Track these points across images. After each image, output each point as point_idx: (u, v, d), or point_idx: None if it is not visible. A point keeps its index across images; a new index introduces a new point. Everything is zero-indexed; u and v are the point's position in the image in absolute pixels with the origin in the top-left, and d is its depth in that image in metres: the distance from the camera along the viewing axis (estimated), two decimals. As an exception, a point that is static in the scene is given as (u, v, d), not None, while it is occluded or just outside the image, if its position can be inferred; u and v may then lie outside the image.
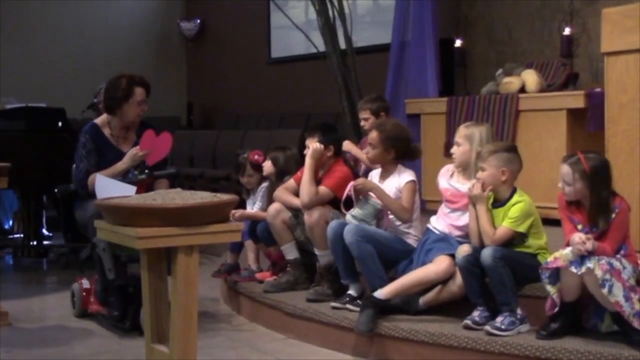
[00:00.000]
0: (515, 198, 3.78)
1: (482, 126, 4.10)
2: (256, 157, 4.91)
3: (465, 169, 4.04)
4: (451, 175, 4.12)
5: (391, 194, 4.17)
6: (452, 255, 3.87)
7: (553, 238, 3.86)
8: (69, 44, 11.45)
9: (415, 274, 3.95)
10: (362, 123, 5.05)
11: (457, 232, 4.01)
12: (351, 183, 4.16)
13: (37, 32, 11.25)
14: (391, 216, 4.19)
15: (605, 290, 3.31)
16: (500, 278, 3.64)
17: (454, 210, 4.05)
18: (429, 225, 4.15)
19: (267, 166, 4.85)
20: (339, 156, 4.59)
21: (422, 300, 3.99)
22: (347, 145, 4.93)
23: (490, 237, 3.73)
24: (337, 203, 4.32)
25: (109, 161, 4.61)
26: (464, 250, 3.77)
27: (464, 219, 3.99)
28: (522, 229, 3.73)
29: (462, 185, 4.00)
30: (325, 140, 4.47)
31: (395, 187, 4.18)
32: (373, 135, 4.22)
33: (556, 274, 3.46)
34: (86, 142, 4.68)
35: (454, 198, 4.04)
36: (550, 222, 4.34)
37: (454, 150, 4.07)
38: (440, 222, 4.10)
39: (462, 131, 4.07)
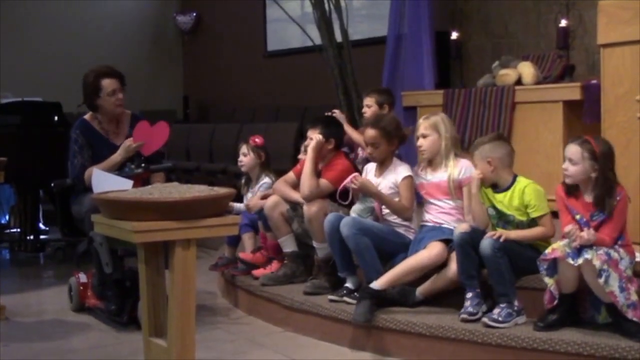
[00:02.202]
0: (522, 182, 3.80)
1: (440, 114, 4.22)
2: (256, 140, 4.97)
3: (434, 160, 4.09)
4: (420, 171, 4.15)
5: (387, 188, 4.18)
6: (445, 241, 3.91)
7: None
8: (64, 38, 11.41)
9: (409, 261, 3.97)
10: (364, 109, 5.04)
11: (446, 218, 4.04)
12: (350, 176, 4.16)
13: (33, 27, 11.21)
14: (386, 210, 4.20)
15: (601, 280, 3.33)
16: (498, 269, 3.65)
17: (433, 200, 4.09)
18: (422, 223, 4.16)
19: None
20: (339, 150, 4.59)
21: (419, 290, 4.00)
22: (340, 118, 4.94)
23: (483, 221, 3.79)
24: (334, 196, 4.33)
25: (103, 155, 4.60)
26: (462, 227, 3.79)
27: (444, 206, 4.05)
28: (548, 208, 3.75)
29: (433, 176, 4.09)
30: (327, 134, 4.48)
31: (392, 182, 4.20)
32: (372, 134, 4.20)
33: (554, 266, 3.47)
34: (77, 137, 4.67)
35: (431, 189, 4.09)
36: (547, 214, 4.34)
37: (421, 142, 4.09)
38: (429, 214, 4.12)
39: (424, 123, 4.12)
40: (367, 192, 4.16)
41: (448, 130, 4.06)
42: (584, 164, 3.47)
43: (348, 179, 4.15)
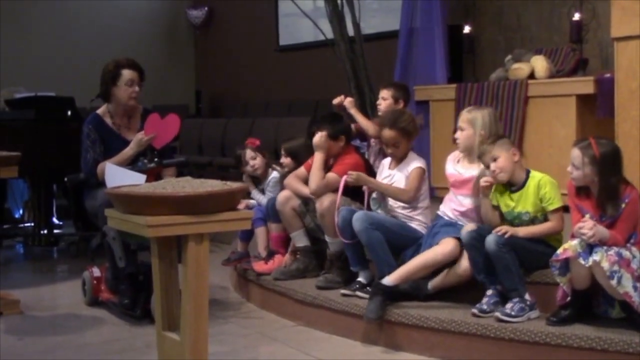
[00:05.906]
0: (537, 176, 3.78)
1: (485, 110, 4.09)
2: (256, 142, 5.01)
3: (470, 154, 4.05)
4: (457, 161, 4.13)
5: (402, 181, 4.19)
6: (459, 239, 3.89)
7: (562, 224, 3.86)
8: (77, 33, 11.45)
9: (421, 257, 3.96)
10: (379, 102, 5.01)
11: (462, 218, 4.02)
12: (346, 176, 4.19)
13: (46, 22, 11.26)
14: (390, 202, 4.20)
15: (614, 282, 3.30)
16: (505, 264, 3.64)
17: (457, 195, 4.07)
18: (438, 212, 4.16)
19: (287, 162, 4.87)
20: (349, 144, 4.59)
21: (430, 284, 4.00)
22: (349, 103, 4.93)
23: (494, 223, 3.75)
24: (350, 191, 4.32)
25: (115, 150, 4.63)
26: (469, 226, 3.81)
27: (466, 204, 4.02)
28: (562, 201, 3.72)
29: (466, 170, 4.04)
30: (335, 133, 4.48)
31: (405, 175, 4.21)
32: (392, 135, 4.21)
33: (566, 265, 3.45)
34: (89, 132, 4.69)
35: (457, 183, 4.07)
36: (559, 208, 4.33)
37: (458, 135, 4.07)
38: (447, 207, 4.11)
39: (464, 116, 4.07)
40: (362, 183, 4.20)
41: (486, 128, 3.96)
42: (584, 169, 3.44)
43: (344, 177, 4.16)
